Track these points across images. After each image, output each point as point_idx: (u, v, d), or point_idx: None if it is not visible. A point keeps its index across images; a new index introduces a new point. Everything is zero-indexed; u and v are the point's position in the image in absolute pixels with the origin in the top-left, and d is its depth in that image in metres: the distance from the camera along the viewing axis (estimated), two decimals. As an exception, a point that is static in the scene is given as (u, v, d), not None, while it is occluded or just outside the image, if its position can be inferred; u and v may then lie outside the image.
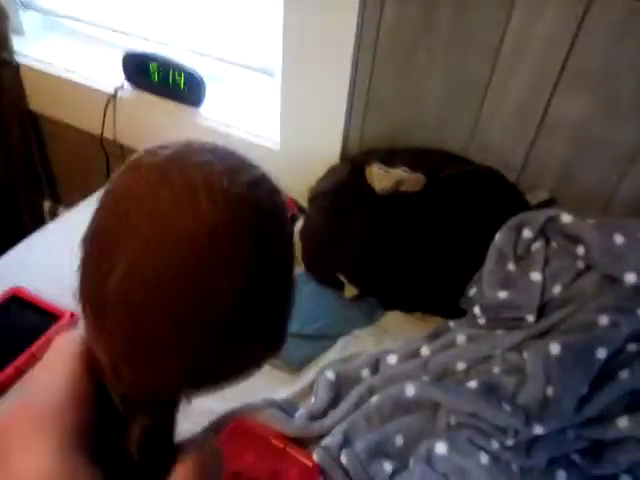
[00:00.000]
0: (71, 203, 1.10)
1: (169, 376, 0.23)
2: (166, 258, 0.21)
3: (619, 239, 0.73)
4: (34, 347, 0.77)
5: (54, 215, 1.58)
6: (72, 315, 0.81)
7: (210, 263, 0.21)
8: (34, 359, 0.78)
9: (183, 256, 0.21)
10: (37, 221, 1.53)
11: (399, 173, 0.87)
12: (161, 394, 0.24)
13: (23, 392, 0.24)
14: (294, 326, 0.85)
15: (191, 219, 0.21)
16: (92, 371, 0.25)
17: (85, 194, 1.07)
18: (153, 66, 1.12)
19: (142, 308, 0.21)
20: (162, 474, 0.25)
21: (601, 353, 0.68)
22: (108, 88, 1.19)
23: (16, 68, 1.27)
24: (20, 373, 0.76)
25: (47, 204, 1.60)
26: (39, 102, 1.34)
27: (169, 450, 0.26)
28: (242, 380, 0.25)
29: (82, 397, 0.24)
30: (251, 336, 0.23)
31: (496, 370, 0.74)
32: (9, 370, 0.74)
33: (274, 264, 0.24)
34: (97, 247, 0.23)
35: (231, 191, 0.22)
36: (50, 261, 0.91)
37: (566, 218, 0.77)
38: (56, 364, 0.24)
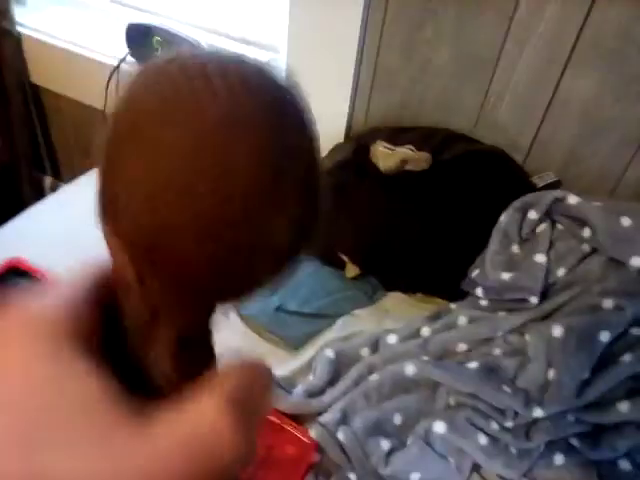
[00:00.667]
0: (72, 179, 1.09)
1: (200, 284, 0.21)
2: (190, 160, 0.19)
3: (626, 222, 0.72)
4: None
5: (55, 191, 1.57)
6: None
7: (233, 149, 0.19)
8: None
9: (203, 143, 0.19)
10: (38, 197, 1.53)
11: (404, 152, 0.85)
12: (194, 300, 0.22)
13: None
14: (294, 304, 0.84)
15: (211, 103, 0.19)
16: (106, 287, 0.23)
17: (86, 169, 1.05)
18: (156, 38, 1.10)
19: (155, 218, 0.19)
20: (192, 380, 0.22)
21: (604, 336, 0.67)
22: (111, 60, 1.17)
23: (17, 39, 1.25)
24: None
25: (48, 180, 1.59)
26: (40, 74, 1.32)
27: (207, 358, 0.24)
28: (275, 277, 0.23)
29: (90, 305, 0.22)
30: (277, 228, 0.21)
31: (497, 352, 0.74)
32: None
33: (302, 149, 0.22)
34: (113, 144, 0.21)
35: (266, 86, 0.21)
36: (49, 232, 0.91)
37: (573, 199, 0.76)
38: (65, 282, 0.23)
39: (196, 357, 0.24)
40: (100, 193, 0.21)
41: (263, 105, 0.20)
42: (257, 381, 0.23)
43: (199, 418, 0.19)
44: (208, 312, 0.24)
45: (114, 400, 0.19)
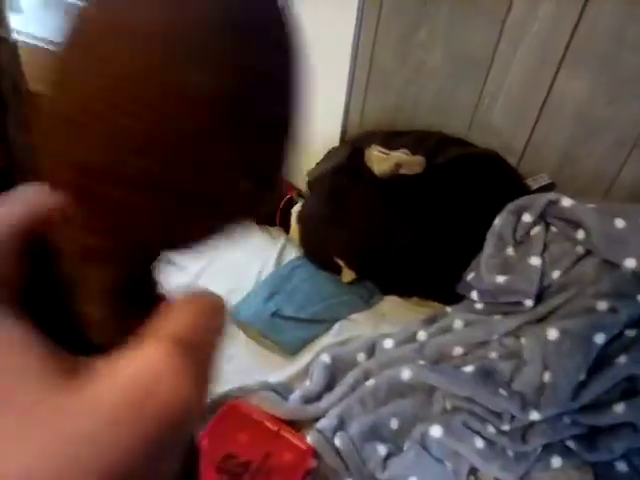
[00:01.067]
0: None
1: (142, 218, 0.18)
2: (132, 49, 0.16)
3: (620, 224, 0.72)
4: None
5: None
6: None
7: (182, 57, 0.17)
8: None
9: (147, 48, 0.16)
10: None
11: (399, 156, 0.85)
12: (132, 244, 0.19)
13: None
14: (290, 309, 0.84)
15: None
16: (35, 234, 0.20)
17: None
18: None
19: (94, 121, 0.17)
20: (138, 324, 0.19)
21: (599, 338, 0.67)
22: (106, 67, 1.17)
23: (14, 46, 1.25)
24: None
25: (46, 185, 1.59)
26: (37, 80, 1.32)
27: (148, 311, 0.21)
28: (230, 225, 0.20)
29: (7, 251, 0.19)
30: (239, 167, 0.18)
31: (493, 355, 0.74)
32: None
33: (272, 59, 0.18)
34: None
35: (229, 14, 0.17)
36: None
37: (566, 202, 0.76)
38: None
39: (136, 309, 0.21)
40: (34, 132, 0.19)
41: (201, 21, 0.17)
42: (206, 317, 0.20)
43: (140, 364, 0.17)
44: (148, 256, 0.21)
45: (43, 358, 0.17)
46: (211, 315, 0.20)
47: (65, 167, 0.18)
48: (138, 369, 0.17)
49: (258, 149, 0.19)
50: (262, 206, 0.20)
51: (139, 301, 0.21)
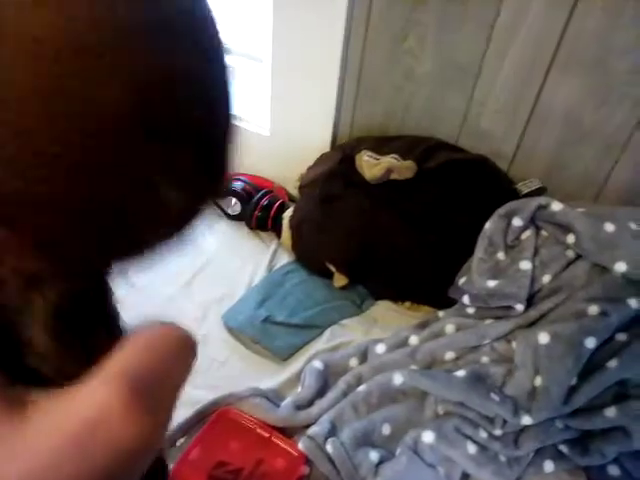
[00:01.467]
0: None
1: (62, 235, 0.17)
2: (24, 53, 0.14)
3: (610, 227, 0.72)
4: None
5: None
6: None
7: (78, 67, 0.15)
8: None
9: (50, 48, 0.14)
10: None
11: (389, 161, 0.86)
12: (66, 266, 0.18)
13: None
14: (282, 315, 0.84)
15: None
16: None
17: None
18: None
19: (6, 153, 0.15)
20: (84, 360, 0.18)
21: (590, 343, 0.67)
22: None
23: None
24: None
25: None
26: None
27: (96, 326, 0.20)
28: (166, 236, 0.19)
29: None
30: (160, 179, 0.17)
31: (485, 359, 0.74)
32: None
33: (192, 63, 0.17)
34: None
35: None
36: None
37: (557, 206, 0.76)
38: None
39: (84, 335, 0.19)
40: None
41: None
42: (168, 353, 0.19)
43: (87, 401, 0.16)
44: (89, 275, 0.19)
45: None
46: (174, 351, 0.19)
47: None
48: (85, 405, 0.16)
49: (176, 157, 0.17)
50: (197, 214, 0.19)
51: (87, 327, 0.20)
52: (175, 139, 0.17)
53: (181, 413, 0.70)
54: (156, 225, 0.18)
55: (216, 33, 0.18)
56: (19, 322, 0.19)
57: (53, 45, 0.15)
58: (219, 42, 0.18)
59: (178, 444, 0.67)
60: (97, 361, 0.17)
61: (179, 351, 0.19)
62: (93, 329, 0.20)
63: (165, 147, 0.17)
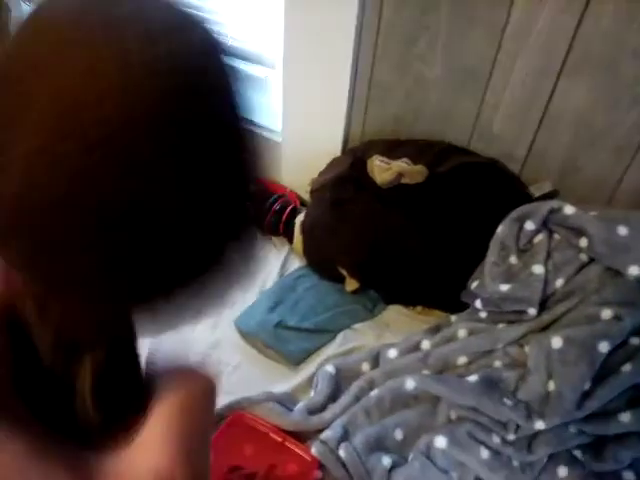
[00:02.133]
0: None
1: (106, 297, 0.18)
2: (72, 146, 0.15)
3: (623, 231, 0.72)
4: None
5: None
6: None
7: (125, 151, 0.16)
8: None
9: (95, 140, 0.15)
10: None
11: (400, 165, 0.86)
12: (104, 322, 0.19)
13: None
14: (294, 320, 0.84)
15: (99, 90, 0.15)
16: (10, 324, 0.19)
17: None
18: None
19: (49, 220, 0.16)
20: (131, 420, 0.19)
21: (604, 347, 0.66)
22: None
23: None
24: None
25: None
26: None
27: (133, 391, 0.21)
28: (213, 300, 0.19)
29: None
30: (195, 227, 0.18)
31: (497, 364, 0.74)
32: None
33: (214, 137, 0.18)
34: None
35: (150, 52, 0.16)
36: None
37: (569, 210, 0.76)
38: None
39: (123, 392, 0.21)
40: None
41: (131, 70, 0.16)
42: (199, 408, 0.20)
43: (145, 469, 0.18)
44: (121, 343, 0.20)
45: (45, 457, 0.17)
46: (207, 405, 0.21)
47: (20, 268, 0.18)
48: (144, 473, 0.18)
49: (219, 205, 0.18)
50: (224, 253, 0.19)
51: (124, 385, 0.21)
52: (212, 197, 0.18)
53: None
54: (193, 279, 0.19)
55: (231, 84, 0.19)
56: (67, 388, 0.20)
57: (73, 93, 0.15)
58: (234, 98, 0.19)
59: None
60: (137, 417, 0.19)
61: (209, 402, 0.21)
62: (130, 386, 0.21)
63: (201, 200, 0.18)
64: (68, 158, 0.16)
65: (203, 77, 0.18)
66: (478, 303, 0.80)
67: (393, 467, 0.67)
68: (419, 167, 0.85)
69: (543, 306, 0.75)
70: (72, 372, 0.20)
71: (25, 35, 0.17)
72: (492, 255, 0.80)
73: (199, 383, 0.21)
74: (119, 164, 0.16)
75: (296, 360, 0.80)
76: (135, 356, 0.21)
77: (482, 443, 0.68)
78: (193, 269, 0.18)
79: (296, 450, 0.68)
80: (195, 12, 0.19)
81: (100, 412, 0.20)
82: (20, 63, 0.17)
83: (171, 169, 0.16)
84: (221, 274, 0.19)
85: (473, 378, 0.71)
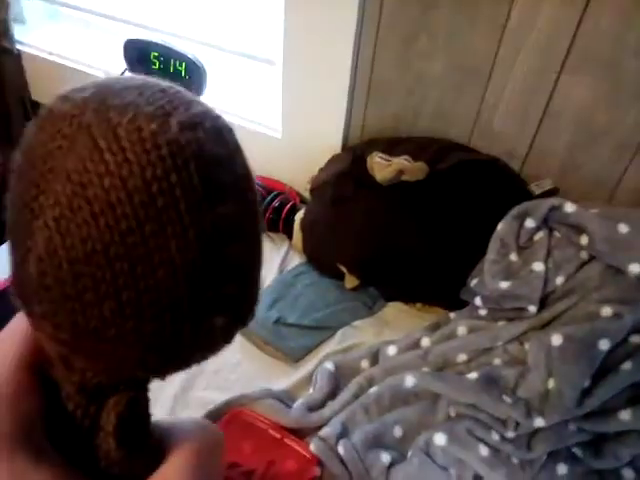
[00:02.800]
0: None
1: (124, 362, 0.20)
2: (91, 229, 0.17)
3: (624, 228, 0.72)
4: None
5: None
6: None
7: (147, 228, 0.18)
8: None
9: (112, 224, 0.17)
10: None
11: (400, 162, 0.85)
12: (122, 378, 0.21)
13: None
14: (293, 316, 0.84)
15: (116, 176, 0.17)
16: (39, 364, 0.22)
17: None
18: (154, 54, 1.11)
19: (70, 290, 0.18)
20: (147, 462, 0.22)
21: (604, 345, 0.66)
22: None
23: (18, 57, 1.26)
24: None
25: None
26: (41, 91, 1.33)
27: (146, 434, 0.23)
28: (210, 356, 0.22)
29: (26, 393, 0.21)
30: (211, 311, 0.20)
31: (497, 361, 0.73)
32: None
33: (232, 223, 0.19)
34: (13, 222, 0.19)
35: (163, 136, 0.18)
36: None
37: (570, 207, 0.76)
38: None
39: (141, 435, 0.23)
40: (18, 272, 0.20)
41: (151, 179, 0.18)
42: (211, 459, 0.23)
43: None
44: (141, 386, 0.23)
45: None
46: (218, 456, 0.23)
47: (46, 325, 0.20)
48: None
49: (233, 289, 0.20)
50: (237, 332, 0.22)
51: (143, 429, 0.23)
52: (227, 280, 0.20)
53: (193, 414, 0.70)
54: (201, 344, 0.21)
55: (242, 167, 0.21)
56: (91, 429, 0.22)
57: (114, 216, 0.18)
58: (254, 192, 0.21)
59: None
60: (154, 460, 0.21)
61: (220, 453, 0.23)
62: (147, 430, 0.23)
63: (219, 288, 0.20)
64: (79, 226, 0.18)
65: (199, 150, 0.19)
66: (478, 300, 0.80)
67: (392, 464, 0.67)
68: (419, 164, 0.85)
69: (543, 304, 0.75)
70: (94, 413, 0.22)
71: (41, 124, 0.20)
72: (492, 252, 0.80)
73: (211, 435, 0.23)
74: (121, 229, 0.18)
75: (295, 357, 0.80)
76: (147, 402, 0.23)
77: (481, 440, 0.68)
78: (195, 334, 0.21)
79: (295, 447, 0.68)
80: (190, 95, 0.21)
81: (122, 450, 0.22)
82: (41, 147, 0.19)
83: (169, 240, 0.18)
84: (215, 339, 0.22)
85: (473, 375, 0.71)
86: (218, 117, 0.21)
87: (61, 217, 0.18)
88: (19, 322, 0.22)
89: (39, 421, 0.21)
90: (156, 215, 0.18)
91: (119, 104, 0.19)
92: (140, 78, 0.20)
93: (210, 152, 0.19)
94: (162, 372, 0.22)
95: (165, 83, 0.21)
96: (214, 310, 0.20)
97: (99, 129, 0.18)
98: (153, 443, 0.22)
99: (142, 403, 0.23)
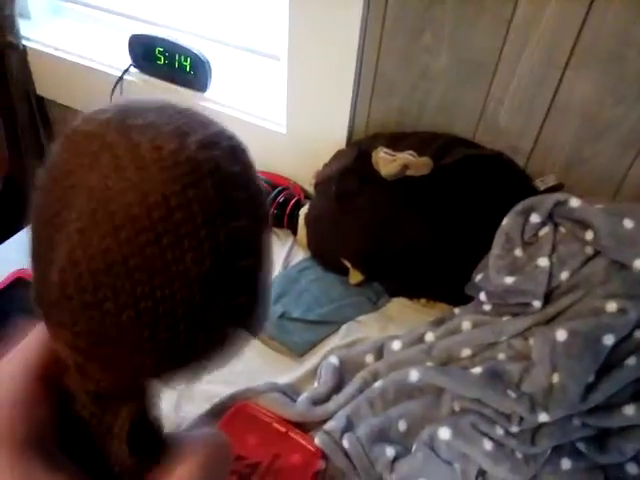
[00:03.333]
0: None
1: (138, 370, 0.21)
2: (112, 242, 0.19)
3: (629, 224, 0.72)
4: (38, 330, 0.77)
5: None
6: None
7: (165, 241, 0.19)
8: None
9: (132, 237, 0.19)
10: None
11: (405, 157, 0.85)
12: (135, 386, 0.22)
13: None
14: (298, 311, 0.84)
15: (137, 192, 0.19)
16: (52, 375, 0.23)
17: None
18: (159, 49, 1.11)
19: (91, 299, 0.19)
20: (153, 466, 0.23)
21: (608, 340, 0.66)
22: (115, 71, 1.18)
23: (23, 52, 1.27)
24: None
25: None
26: (46, 86, 1.34)
27: (158, 441, 0.24)
28: (221, 366, 0.23)
29: (39, 401, 0.22)
30: (223, 320, 0.21)
31: (501, 356, 0.74)
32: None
33: (244, 237, 0.21)
34: (37, 236, 0.21)
35: (181, 155, 0.19)
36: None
37: (575, 202, 0.76)
38: (14, 368, 0.23)
39: (152, 440, 0.24)
40: (40, 281, 0.21)
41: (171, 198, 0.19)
42: (219, 467, 0.24)
43: None
44: (151, 395, 0.24)
45: None
46: (226, 464, 0.25)
47: (65, 334, 0.21)
48: None
49: (244, 300, 0.22)
50: (248, 342, 0.23)
51: (153, 434, 0.24)
52: (239, 291, 0.21)
53: (198, 408, 0.71)
54: (213, 353, 0.22)
55: (255, 184, 0.22)
56: (104, 436, 0.23)
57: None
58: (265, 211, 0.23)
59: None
60: (163, 464, 0.23)
61: (227, 462, 0.25)
62: (158, 435, 0.24)
63: (232, 298, 0.21)
64: (101, 239, 0.19)
65: (213, 171, 0.20)
66: (482, 296, 0.80)
67: (396, 458, 0.67)
68: (424, 159, 0.85)
69: (548, 299, 0.75)
70: (107, 421, 0.23)
71: (65, 143, 0.21)
72: (497, 248, 0.80)
73: (218, 449, 0.24)
74: (140, 242, 0.19)
75: (300, 351, 0.80)
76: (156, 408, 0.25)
77: (486, 435, 0.68)
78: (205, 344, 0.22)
79: (300, 440, 0.68)
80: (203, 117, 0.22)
81: (134, 457, 0.23)
82: (65, 164, 0.20)
83: (184, 258, 0.20)
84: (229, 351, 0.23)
85: (477, 370, 0.71)
86: (232, 137, 0.22)
87: (83, 230, 0.19)
88: (35, 335, 0.23)
89: (51, 429, 0.22)
90: (174, 228, 0.19)
91: (140, 124, 0.20)
92: (159, 100, 0.22)
93: (225, 170, 0.20)
94: (174, 380, 0.22)
95: (182, 105, 0.22)
96: (226, 320, 0.21)
97: (121, 148, 0.19)
98: (165, 451, 0.23)
99: (154, 411, 0.24)
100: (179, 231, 0.19)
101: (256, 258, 0.22)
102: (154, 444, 0.24)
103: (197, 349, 0.21)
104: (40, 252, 0.21)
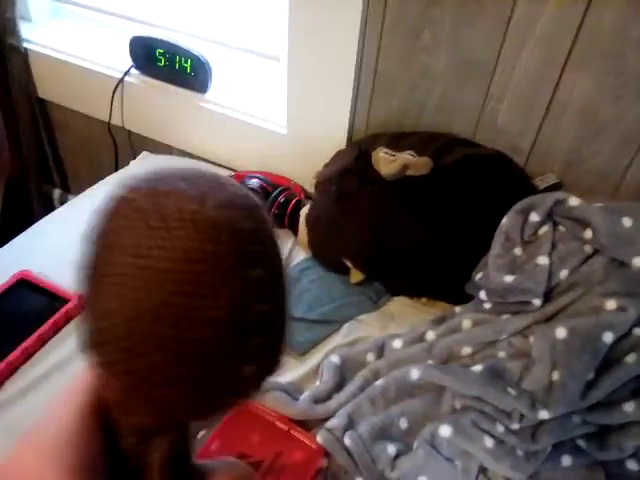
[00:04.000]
0: (79, 190, 1.11)
1: (168, 405, 0.23)
2: (143, 293, 0.21)
3: (628, 222, 0.72)
4: (42, 330, 0.78)
5: (63, 204, 1.59)
6: (80, 298, 0.82)
7: (189, 291, 0.21)
8: (41, 342, 0.78)
9: (160, 287, 0.21)
10: (47, 209, 1.54)
11: (405, 157, 0.86)
12: (165, 420, 0.25)
13: (35, 430, 0.24)
14: (299, 311, 0.85)
15: (164, 249, 0.21)
16: (102, 407, 0.25)
17: (93, 180, 1.07)
18: (160, 51, 1.12)
19: (124, 344, 0.22)
20: None
21: (608, 337, 0.67)
22: (115, 73, 1.19)
23: (24, 54, 1.27)
24: (28, 356, 0.77)
25: (57, 192, 1.61)
26: (47, 88, 1.34)
27: (189, 471, 0.26)
28: (240, 402, 0.25)
29: (90, 433, 0.24)
30: (240, 360, 0.23)
31: (502, 354, 0.74)
32: (17, 352, 0.75)
33: (259, 285, 0.23)
34: (82, 287, 0.24)
35: (201, 214, 0.22)
36: (58, 246, 0.92)
37: (574, 201, 0.76)
38: (67, 401, 0.25)
39: (186, 472, 0.26)
40: (84, 329, 0.24)
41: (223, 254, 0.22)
42: None
43: None
44: (186, 432, 0.26)
45: None
46: None
47: (105, 374, 0.23)
48: None
49: (261, 344, 0.24)
50: (263, 382, 0.26)
51: (187, 466, 0.26)
52: (255, 334, 0.23)
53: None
54: (231, 390, 0.24)
55: (270, 239, 0.25)
56: (142, 468, 0.25)
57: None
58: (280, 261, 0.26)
59: (199, 436, 0.68)
60: None
61: None
62: (189, 467, 0.26)
63: (249, 340, 0.23)
64: (133, 290, 0.22)
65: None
66: (483, 294, 0.80)
67: (398, 455, 0.67)
68: (424, 159, 0.85)
69: (547, 297, 0.75)
70: (143, 452, 0.25)
71: (106, 207, 0.24)
72: (496, 247, 0.80)
73: (242, 471, 0.27)
74: (168, 291, 0.22)
75: (302, 350, 0.81)
76: (190, 442, 0.27)
77: (486, 432, 0.68)
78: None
79: (302, 438, 0.68)
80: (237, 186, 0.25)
81: None
82: (104, 224, 0.23)
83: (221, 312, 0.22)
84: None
85: (477, 368, 0.71)
86: (248, 195, 0.25)
87: (118, 284, 0.22)
88: (88, 371, 0.26)
89: (100, 459, 0.24)
90: (195, 279, 0.21)
91: (166, 190, 0.23)
92: (185, 168, 0.24)
93: (240, 226, 0.23)
94: (199, 416, 0.25)
95: (205, 170, 0.25)
96: (243, 360, 0.23)
97: (149, 211, 0.22)
98: (194, 478, 0.26)
99: (184, 443, 0.26)
100: (200, 281, 0.22)
101: (271, 303, 0.24)
102: (185, 475, 0.26)
103: (215, 386, 0.23)
104: (84, 303, 0.24)
